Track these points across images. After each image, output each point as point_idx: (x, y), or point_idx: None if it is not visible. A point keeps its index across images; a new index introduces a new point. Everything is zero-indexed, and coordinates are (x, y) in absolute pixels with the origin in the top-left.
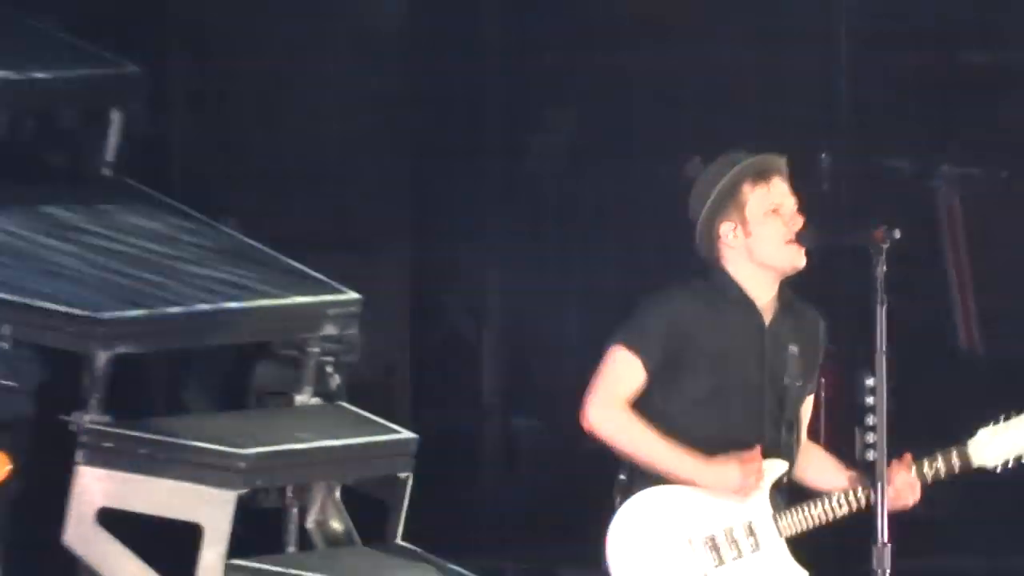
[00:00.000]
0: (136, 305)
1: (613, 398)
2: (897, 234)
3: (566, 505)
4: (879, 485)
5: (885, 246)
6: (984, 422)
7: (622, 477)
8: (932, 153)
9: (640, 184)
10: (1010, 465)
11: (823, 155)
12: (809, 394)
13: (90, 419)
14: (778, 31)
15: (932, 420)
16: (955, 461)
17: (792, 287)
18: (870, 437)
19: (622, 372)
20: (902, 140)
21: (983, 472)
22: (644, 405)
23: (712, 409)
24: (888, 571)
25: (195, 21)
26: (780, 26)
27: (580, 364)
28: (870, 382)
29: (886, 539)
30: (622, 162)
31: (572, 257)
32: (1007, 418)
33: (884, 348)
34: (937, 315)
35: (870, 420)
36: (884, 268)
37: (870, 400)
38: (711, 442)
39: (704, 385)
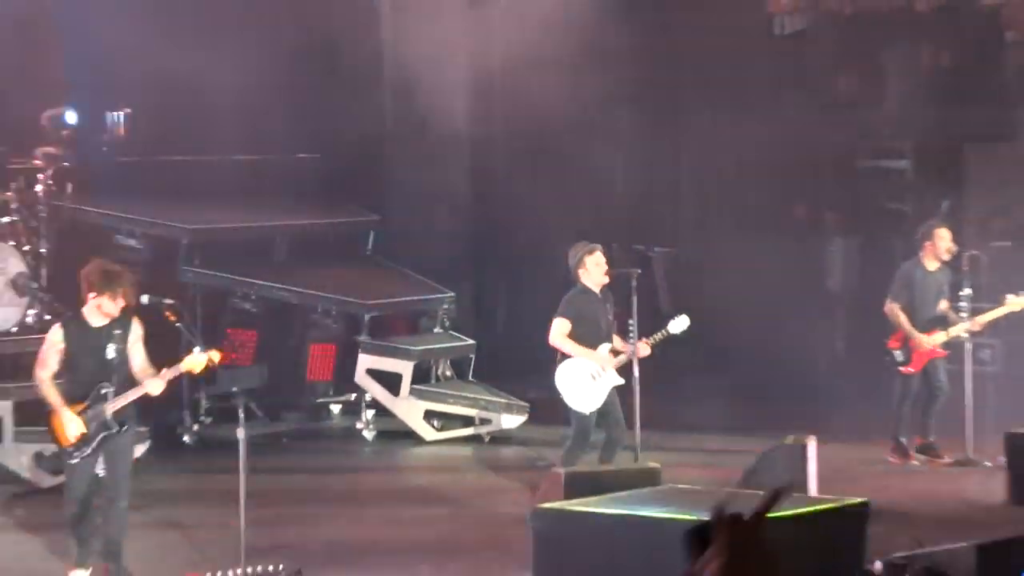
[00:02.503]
0: (376, 296)
1: (560, 333)
2: (639, 271)
3: (538, 366)
4: (633, 360)
5: (637, 272)
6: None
7: (559, 355)
8: (651, 240)
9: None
10: (680, 332)
11: (613, 244)
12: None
13: (362, 338)
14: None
15: (653, 328)
16: (662, 335)
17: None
18: (633, 338)
19: (560, 324)
20: (650, 233)
21: (674, 337)
22: (571, 334)
23: (590, 334)
24: (638, 400)
25: (402, 182)
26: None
27: (543, 316)
28: (631, 323)
29: (636, 378)
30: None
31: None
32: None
33: (636, 309)
34: (654, 302)
35: (633, 333)
36: (636, 283)
37: (632, 324)
38: (589, 343)
39: (588, 326)
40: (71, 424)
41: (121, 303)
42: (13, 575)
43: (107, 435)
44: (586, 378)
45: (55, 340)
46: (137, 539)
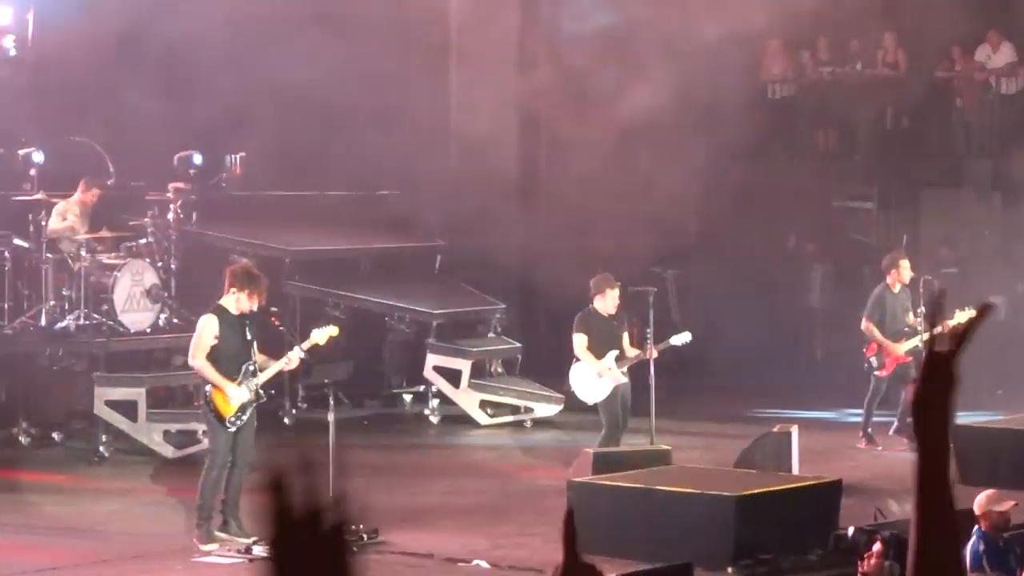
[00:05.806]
0: (442, 307)
1: (581, 347)
2: (655, 289)
3: (570, 365)
4: (650, 360)
5: (653, 290)
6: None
7: (576, 359)
8: (662, 262)
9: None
10: (681, 344)
11: (633, 267)
12: (624, 332)
13: (431, 341)
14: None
15: (666, 335)
16: (666, 345)
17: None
18: (649, 343)
19: (580, 339)
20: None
21: (673, 348)
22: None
23: (602, 346)
24: (654, 395)
25: (464, 215)
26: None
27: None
28: (648, 331)
29: (652, 377)
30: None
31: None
32: (680, 333)
33: (652, 320)
34: (667, 315)
35: (649, 340)
36: (652, 299)
37: (648, 331)
38: (597, 352)
39: (601, 340)
40: (236, 396)
41: (257, 301)
42: (151, 546)
43: (256, 405)
44: (592, 376)
45: (211, 327)
46: (244, 501)
